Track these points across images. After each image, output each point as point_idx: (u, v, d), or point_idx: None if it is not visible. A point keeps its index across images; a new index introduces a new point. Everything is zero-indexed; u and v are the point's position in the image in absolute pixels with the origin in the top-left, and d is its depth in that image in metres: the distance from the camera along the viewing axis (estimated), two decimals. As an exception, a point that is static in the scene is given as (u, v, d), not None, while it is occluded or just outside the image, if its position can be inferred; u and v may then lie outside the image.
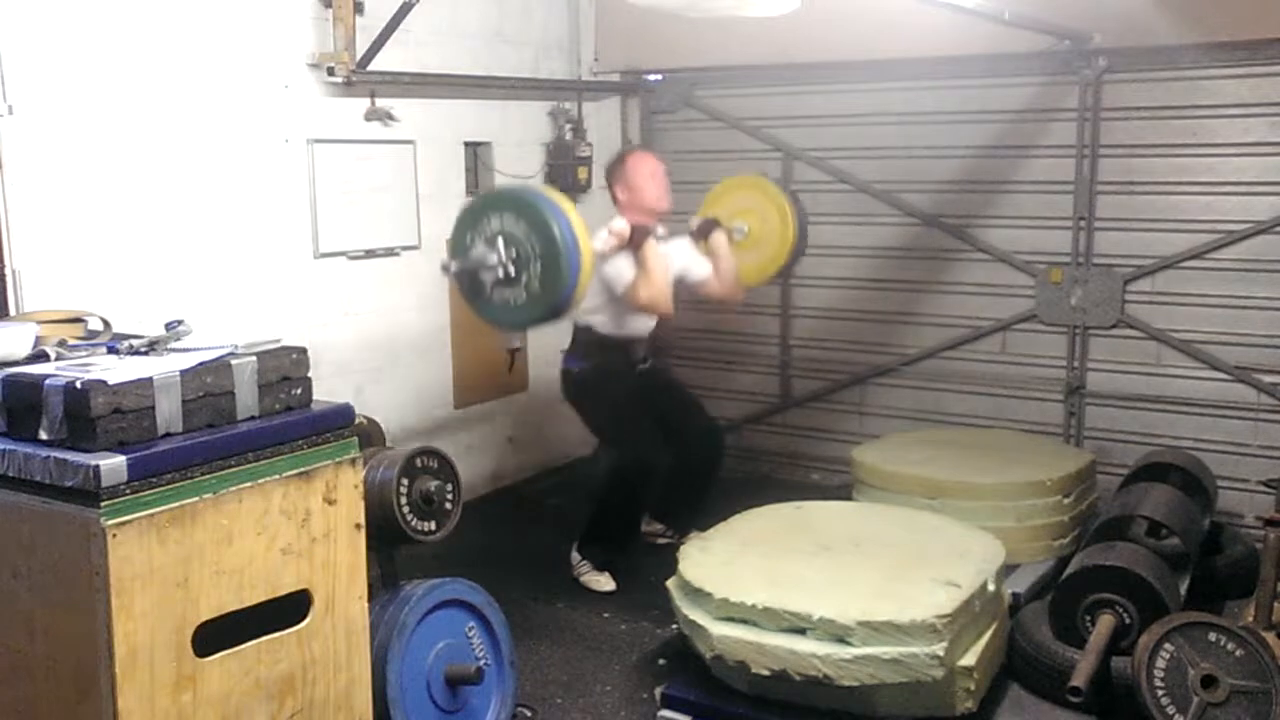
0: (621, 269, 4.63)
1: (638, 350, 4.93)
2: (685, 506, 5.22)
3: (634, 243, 4.57)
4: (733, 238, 5.04)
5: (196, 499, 2.48)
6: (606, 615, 4.58)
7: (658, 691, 3.79)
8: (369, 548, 2.94)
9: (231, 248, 4.74)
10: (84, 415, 2.39)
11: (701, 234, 5.02)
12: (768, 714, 3.53)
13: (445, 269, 4.08)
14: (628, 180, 4.82)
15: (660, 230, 4.81)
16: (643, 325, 4.89)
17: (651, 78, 6.45)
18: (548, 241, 3.94)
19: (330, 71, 4.94)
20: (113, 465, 2.33)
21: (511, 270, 3.99)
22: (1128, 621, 3.61)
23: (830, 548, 3.91)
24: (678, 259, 4.89)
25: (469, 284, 4.09)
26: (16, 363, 2.70)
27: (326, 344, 5.11)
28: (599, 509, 4.92)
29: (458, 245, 4.13)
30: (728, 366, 6.49)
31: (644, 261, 4.58)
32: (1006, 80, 5.58)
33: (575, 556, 4.91)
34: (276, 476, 2.63)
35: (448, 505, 3.42)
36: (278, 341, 2.80)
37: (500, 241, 3.98)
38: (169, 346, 2.74)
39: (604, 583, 4.82)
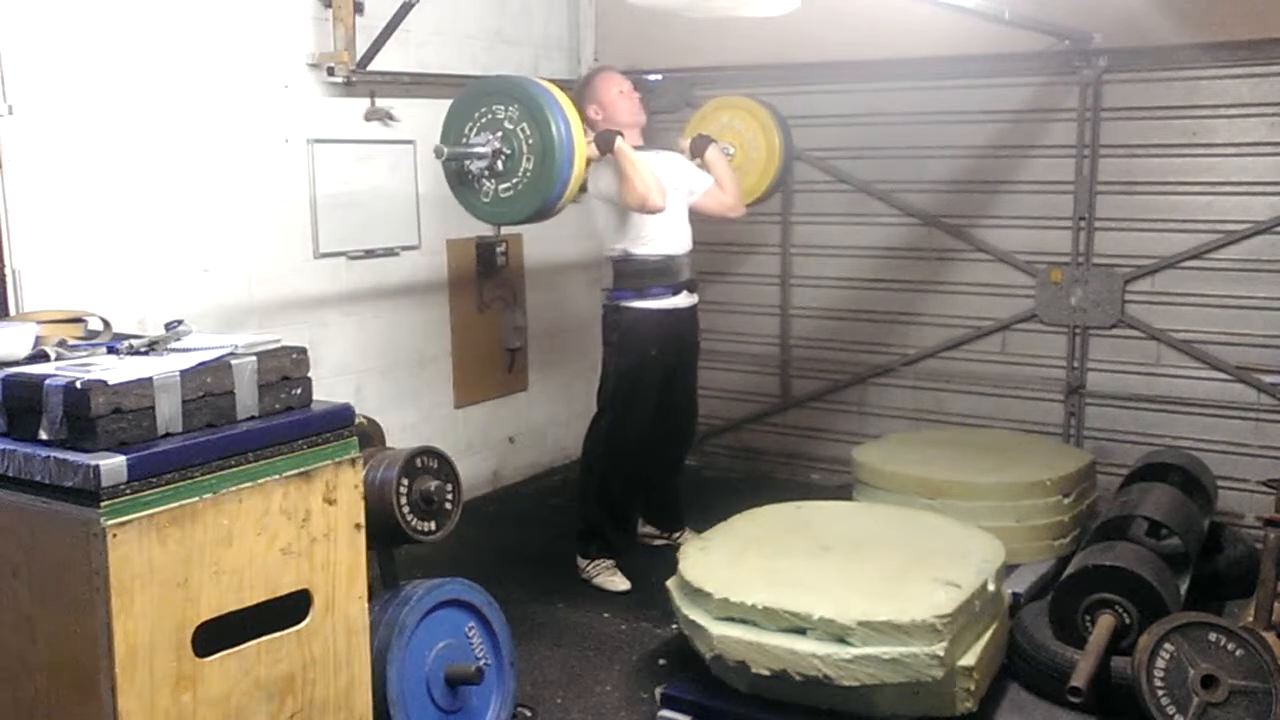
0: (611, 180, 4.59)
1: (681, 270, 4.79)
2: (663, 502, 5.23)
3: (602, 148, 4.50)
4: (714, 141, 5.04)
5: (196, 499, 2.47)
6: (606, 615, 4.58)
7: (658, 691, 3.79)
8: (369, 548, 2.94)
9: (232, 248, 4.75)
10: (84, 415, 2.38)
11: (696, 151, 4.98)
12: (768, 714, 3.53)
13: (438, 153, 4.06)
14: (598, 99, 4.74)
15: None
16: (681, 243, 4.79)
17: (651, 78, 6.44)
18: (546, 139, 3.93)
19: (330, 71, 4.94)
20: (113, 465, 2.33)
21: (504, 160, 3.98)
22: (1128, 621, 3.61)
23: (830, 548, 3.91)
24: (678, 173, 4.82)
25: (458, 172, 4.09)
26: (16, 363, 2.70)
27: (326, 344, 5.12)
28: (583, 500, 4.93)
29: (453, 131, 4.11)
30: (728, 366, 6.48)
31: (618, 163, 4.50)
32: (1006, 80, 5.58)
33: (581, 561, 4.90)
34: (276, 476, 2.63)
35: (448, 505, 3.41)
36: (278, 341, 2.79)
37: (494, 132, 3.98)
38: (169, 346, 2.74)
39: (618, 583, 4.80)
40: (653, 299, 4.73)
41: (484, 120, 4.05)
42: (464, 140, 4.09)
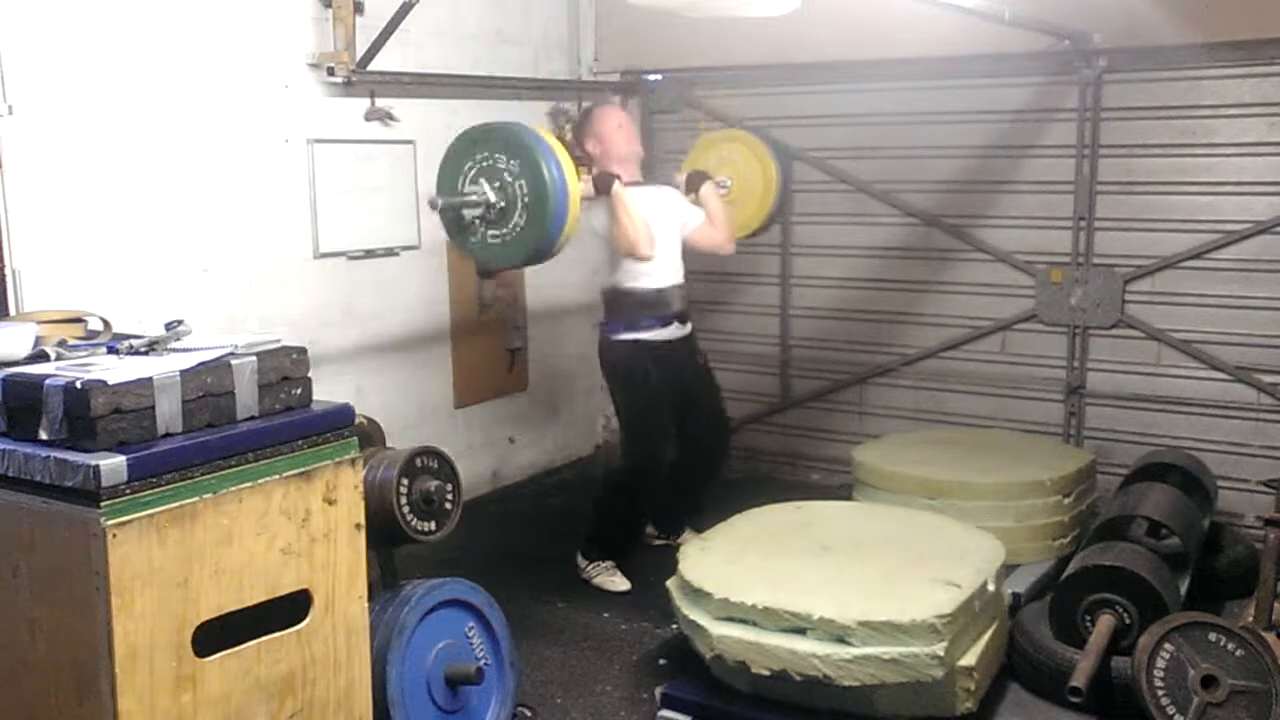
0: (605, 220, 4.62)
1: (672, 303, 4.81)
2: (681, 505, 5.22)
3: (599, 189, 4.52)
4: (710, 178, 5.04)
5: (196, 499, 2.48)
6: (606, 615, 4.58)
7: (658, 691, 3.79)
8: (369, 548, 2.94)
9: (232, 248, 4.75)
10: (84, 415, 2.39)
11: (691, 186, 5.00)
12: (768, 714, 3.53)
13: (433, 205, 4.07)
14: (596, 133, 4.80)
15: (639, 179, 4.82)
16: (672, 276, 4.81)
17: (651, 78, 6.45)
18: (538, 183, 3.92)
19: (330, 71, 4.94)
20: (113, 465, 2.33)
21: (499, 209, 3.98)
22: (1128, 621, 3.61)
23: (830, 548, 3.91)
24: (672, 208, 4.85)
25: (454, 220, 4.08)
26: (16, 363, 2.70)
27: (326, 344, 5.11)
28: (602, 510, 4.93)
29: (447, 179, 4.10)
30: (728, 366, 6.48)
31: (613, 207, 4.54)
32: (1006, 80, 5.58)
33: (582, 561, 4.90)
34: (276, 476, 2.63)
35: (448, 505, 3.42)
36: (278, 341, 2.79)
37: (489, 180, 3.97)
38: (169, 346, 2.74)
39: (618, 583, 4.81)
40: (643, 331, 4.75)
41: (481, 167, 4.03)
42: (459, 187, 4.07)
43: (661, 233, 4.68)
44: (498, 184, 3.99)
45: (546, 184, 3.92)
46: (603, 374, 4.96)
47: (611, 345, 4.81)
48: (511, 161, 3.97)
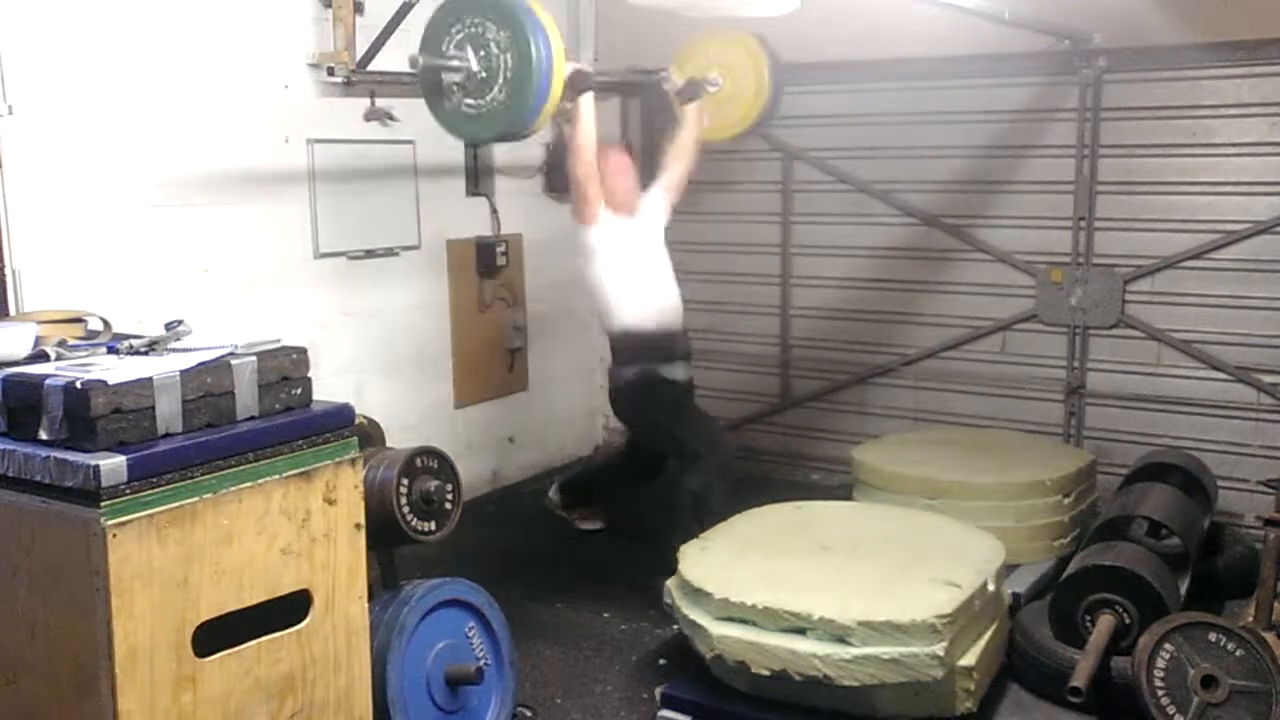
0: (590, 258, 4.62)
1: (678, 346, 4.75)
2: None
3: (575, 88, 4.36)
4: (706, 90, 4.96)
5: (196, 499, 2.48)
6: (606, 615, 4.58)
7: (658, 691, 3.79)
8: (369, 548, 2.94)
9: (232, 248, 4.75)
10: (84, 415, 2.39)
11: (686, 96, 4.94)
12: (768, 714, 3.53)
13: (413, 63, 3.99)
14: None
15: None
16: (672, 309, 4.74)
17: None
18: (524, 59, 3.80)
19: (330, 71, 4.93)
20: (113, 465, 2.33)
21: (480, 79, 3.87)
22: (1128, 621, 3.61)
23: (830, 548, 3.91)
24: (650, 223, 4.77)
25: (433, 83, 3.97)
26: (16, 363, 2.70)
27: (326, 344, 5.11)
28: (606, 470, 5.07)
29: (433, 39, 3.97)
30: (728, 366, 6.48)
31: (574, 115, 4.46)
32: (1006, 80, 5.58)
33: (558, 498, 5.07)
34: (276, 476, 2.63)
35: (448, 505, 3.41)
36: (278, 341, 2.80)
37: (474, 47, 3.85)
38: (169, 346, 2.74)
39: (592, 522, 4.96)
40: (654, 366, 4.67)
41: (470, 32, 3.89)
42: (443, 48, 3.95)
43: (652, 265, 4.66)
44: (483, 52, 3.86)
45: (532, 61, 3.79)
46: (622, 418, 4.95)
47: (626, 381, 4.71)
48: (501, 32, 3.84)
